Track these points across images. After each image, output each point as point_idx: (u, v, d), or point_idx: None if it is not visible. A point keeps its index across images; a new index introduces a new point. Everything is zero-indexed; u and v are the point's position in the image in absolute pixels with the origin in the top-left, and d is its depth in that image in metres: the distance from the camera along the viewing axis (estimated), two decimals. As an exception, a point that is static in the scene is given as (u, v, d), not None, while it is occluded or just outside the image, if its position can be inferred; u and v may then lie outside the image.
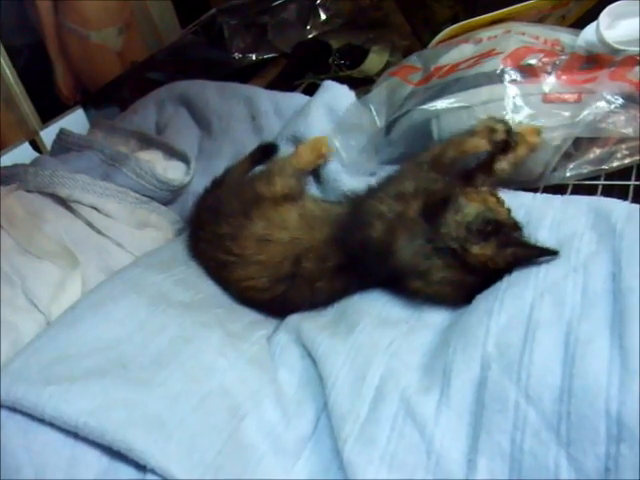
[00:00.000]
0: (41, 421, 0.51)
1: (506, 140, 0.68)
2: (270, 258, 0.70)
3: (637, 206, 0.60)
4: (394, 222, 0.65)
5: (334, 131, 0.85)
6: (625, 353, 0.46)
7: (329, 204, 0.77)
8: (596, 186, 0.71)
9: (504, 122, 0.69)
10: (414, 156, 0.73)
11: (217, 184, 0.84)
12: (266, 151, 0.89)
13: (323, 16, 1.26)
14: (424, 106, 0.75)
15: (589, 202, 0.64)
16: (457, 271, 0.61)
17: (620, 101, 0.68)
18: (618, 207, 0.61)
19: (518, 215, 0.64)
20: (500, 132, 0.68)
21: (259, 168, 0.86)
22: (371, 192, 0.71)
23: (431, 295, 0.63)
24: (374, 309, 0.66)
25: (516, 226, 0.62)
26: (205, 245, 0.76)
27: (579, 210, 0.63)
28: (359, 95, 0.90)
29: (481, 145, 0.69)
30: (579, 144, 0.72)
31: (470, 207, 0.62)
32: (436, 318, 0.62)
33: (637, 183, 0.70)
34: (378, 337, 0.61)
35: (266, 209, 0.74)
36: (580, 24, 0.80)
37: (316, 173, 0.85)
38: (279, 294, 0.71)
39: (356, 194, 0.74)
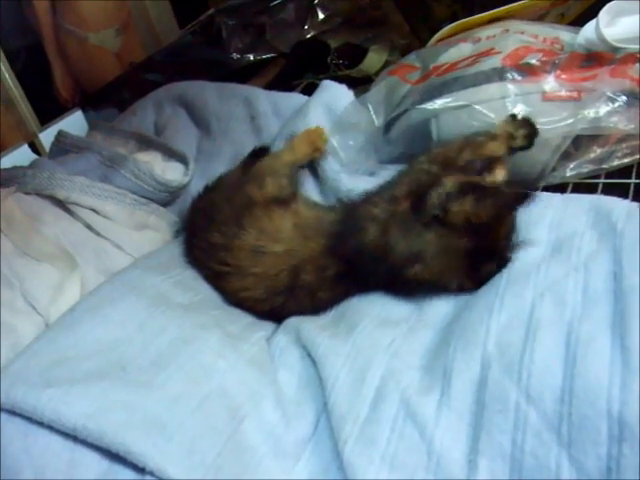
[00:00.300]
0: (40, 424, 0.51)
1: (524, 147, 0.68)
2: (266, 270, 0.69)
3: (637, 204, 0.60)
4: (387, 222, 0.64)
5: (332, 130, 0.84)
6: (626, 353, 0.46)
7: (322, 210, 0.76)
8: (596, 184, 0.71)
9: (526, 123, 0.68)
10: (416, 159, 0.71)
11: (210, 189, 0.83)
12: (259, 156, 0.87)
13: (321, 15, 1.26)
14: (423, 105, 0.75)
15: (589, 201, 0.63)
16: (449, 239, 0.61)
17: (621, 98, 0.68)
18: (619, 206, 0.60)
19: (517, 213, 0.64)
20: (519, 139, 0.68)
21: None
22: (367, 197, 0.71)
23: (432, 277, 0.62)
24: (374, 309, 0.65)
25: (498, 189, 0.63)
26: (199, 253, 0.75)
27: (579, 209, 0.63)
28: (358, 94, 0.89)
29: (499, 151, 0.68)
30: (579, 143, 0.71)
31: (450, 180, 0.63)
32: (436, 317, 0.62)
33: (637, 181, 0.69)
34: (378, 337, 0.60)
35: (258, 216, 0.72)
36: (579, 22, 0.79)
37: (314, 173, 0.85)
38: (278, 305, 0.70)
39: (350, 200, 0.74)
